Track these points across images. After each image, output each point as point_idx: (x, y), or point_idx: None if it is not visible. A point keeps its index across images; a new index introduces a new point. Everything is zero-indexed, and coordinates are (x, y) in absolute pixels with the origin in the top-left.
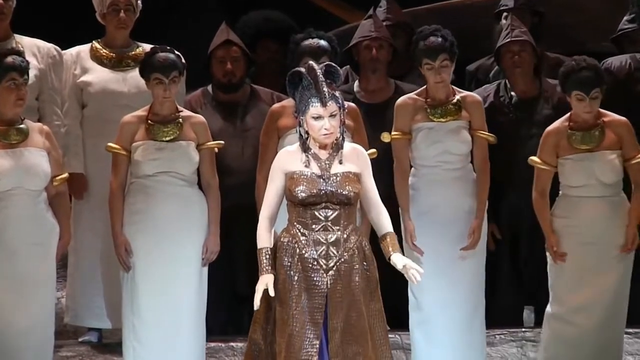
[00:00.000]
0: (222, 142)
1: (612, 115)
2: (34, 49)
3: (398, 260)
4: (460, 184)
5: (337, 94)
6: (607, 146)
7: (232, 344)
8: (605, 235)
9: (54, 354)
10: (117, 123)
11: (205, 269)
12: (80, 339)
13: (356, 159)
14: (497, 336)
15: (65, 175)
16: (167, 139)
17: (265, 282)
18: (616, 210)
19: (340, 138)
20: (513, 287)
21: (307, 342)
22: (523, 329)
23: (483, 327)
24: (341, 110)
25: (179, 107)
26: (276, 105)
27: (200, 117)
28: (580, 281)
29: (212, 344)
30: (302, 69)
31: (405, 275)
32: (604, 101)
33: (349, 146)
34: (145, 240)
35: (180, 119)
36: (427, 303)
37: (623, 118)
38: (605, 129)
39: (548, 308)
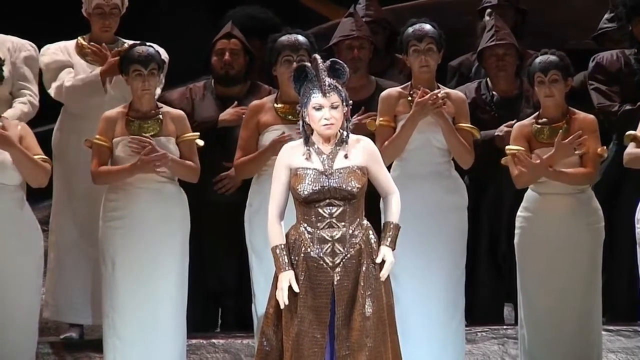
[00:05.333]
0: (197, 133)
1: (580, 113)
2: (7, 44)
3: (380, 253)
4: (440, 179)
5: (340, 87)
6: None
7: (213, 340)
8: (571, 232)
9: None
10: (99, 120)
11: (186, 266)
12: (62, 336)
13: (362, 151)
14: (478, 333)
15: (44, 157)
16: (148, 135)
17: (288, 279)
18: (581, 207)
19: (345, 134)
20: (493, 283)
21: (313, 342)
22: (504, 326)
23: (462, 324)
24: (344, 103)
25: (158, 103)
26: (255, 101)
27: (179, 111)
28: (548, 280)
29: (194, 341)
30: (307, 63)
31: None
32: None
33: (354, 138)
34: (126, 236)
35: (160, 115)
36: (404, 299)
37: (591, 116)
38: (572, 125)
39: (520, 311)
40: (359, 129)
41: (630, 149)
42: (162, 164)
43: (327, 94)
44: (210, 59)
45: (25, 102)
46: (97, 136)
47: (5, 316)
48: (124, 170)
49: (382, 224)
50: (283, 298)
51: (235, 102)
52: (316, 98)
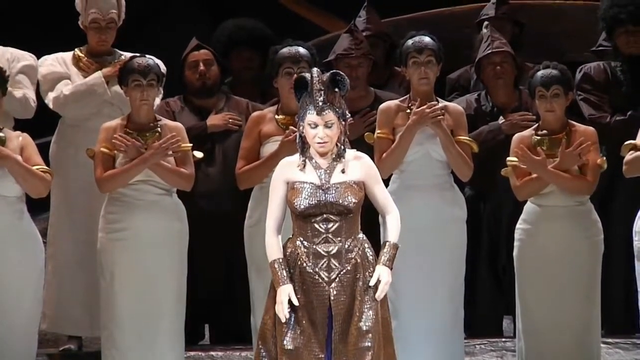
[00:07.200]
0: (191, 144)
1: (580, 126)
2: (7, 55)
3: (376, 273)
4: (439, 191)
5: (338, 103)
6: None
7: (211, 352)
8: (570, 245)
9: None
10: (97, 132)
11: (185, 278)
12: (60, 348)
13: (360, 166)
14: (477, 346)
15: (44, 168)
16: (146, 147)
17: (287, 292)
18: (581, 220)
19: (342, 148)
20: (493, 296)
21: (312, 355)
22: (503, 339)
23: (461, 336)
24: (340, 120)
25: (156, 115)
26: (256, 112)
27: (177, 123)
28: (547, 292)
29: (192, 353)
30: (307, 74)
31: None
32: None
33: (352, 154)
34: (125, 249)
35: (159, 128)
36: (404, 311)
37: (591, 128)
38: (572, 137)
39: (518, 323)
40: (353, 128)
41: (629, 157)
42: (171, 148)
43: (322, 113)
44: (183, 75)
45: (20, 93)
46: (102, 144)
47: (4, 327)
48: (131, 166)
49: (381, 242)
50: (283, 312)
51: (214, 111)
52: (311, 115)
